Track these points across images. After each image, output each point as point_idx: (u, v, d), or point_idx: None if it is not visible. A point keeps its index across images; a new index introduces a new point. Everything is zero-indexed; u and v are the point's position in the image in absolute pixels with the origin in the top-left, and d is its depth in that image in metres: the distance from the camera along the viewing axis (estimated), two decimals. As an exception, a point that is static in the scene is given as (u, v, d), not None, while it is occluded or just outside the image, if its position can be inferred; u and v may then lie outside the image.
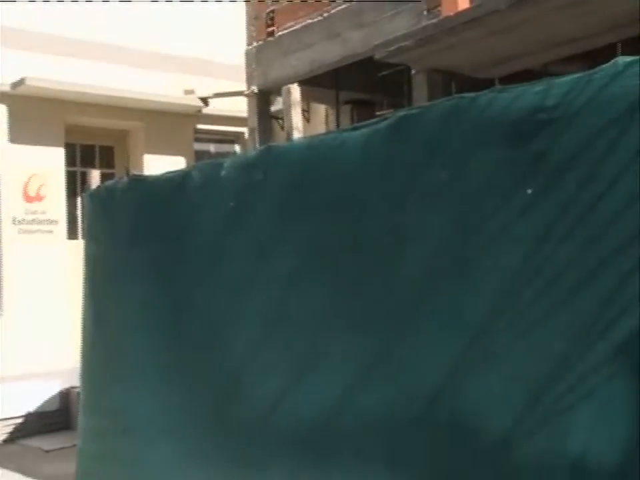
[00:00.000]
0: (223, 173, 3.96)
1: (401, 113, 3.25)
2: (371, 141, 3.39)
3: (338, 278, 3.42)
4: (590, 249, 2.42)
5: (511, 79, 6.54)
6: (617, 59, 2.29)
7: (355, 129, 3.66)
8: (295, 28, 7.66)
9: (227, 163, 3.98)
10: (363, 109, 9.06)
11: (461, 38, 5.61)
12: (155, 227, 4.28)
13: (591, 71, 2.36)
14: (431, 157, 3.07)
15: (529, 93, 2.63)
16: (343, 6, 7.18)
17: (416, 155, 3.14)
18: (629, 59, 2.25)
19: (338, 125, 9.00)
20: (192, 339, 3.98)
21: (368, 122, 3.53)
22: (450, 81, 6.70)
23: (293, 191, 3.69)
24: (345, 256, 3.42)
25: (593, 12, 5.05)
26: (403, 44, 5.88)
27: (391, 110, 7.45)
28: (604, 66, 2.32)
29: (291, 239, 3.65)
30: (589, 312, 2.44)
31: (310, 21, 7.49)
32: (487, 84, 6.47)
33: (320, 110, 10.96)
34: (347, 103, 9.28)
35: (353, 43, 7.11)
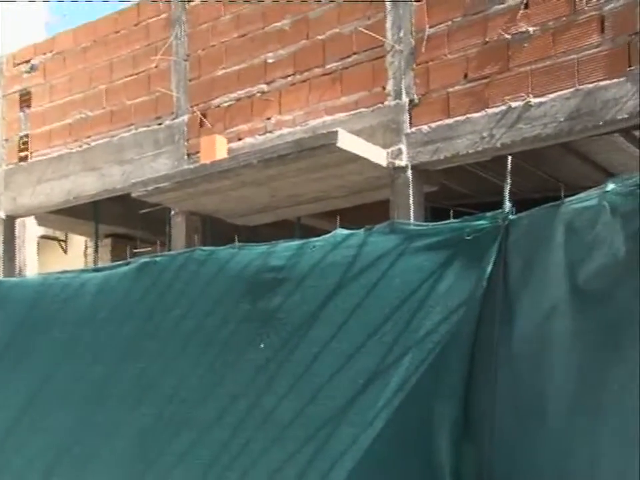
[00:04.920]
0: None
1: (143, 259, 3.26)
2: (110, 283, 3.34)
3: (60, 426, 3.24)
4: (312, 404, 2.50)
5: (269, 228, 6.86)
6: (336, 230, 2.49)
7: (96, 270, 3.62)
8: (51, 155, 7.45)
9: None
10: (124, 244, 8.93)
11: (217, 185, 5.79)
12: None
13: (314, 239, 2.53)
14: (169, 304, 3.07)
15: (263, 253, 2.75)
16: (105, 140, 7.15)
17: (154, 301, 3.13)
18: (345, 232, 2.46)
19: (96, 259, 8.73)
20: None
21: (110, 265, 3.49)
22: (211, 224, 6.83)
23: (21, 328, 3.52)
24: (73, 401, 3.26)
25: (329, 178, 5.48)
26: (160, 185, 5.94)
27: (149, 247, 7.40)
28: (326, 236, 2.51)
29: (15, 382, 3.43)
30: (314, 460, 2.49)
31: (67, 150, 7.35)
32: (248, 230, 6.70)
33: (80, 241, 10.62)
34: (107, 236, 9.11)
35: (112, 177, 7.05)
